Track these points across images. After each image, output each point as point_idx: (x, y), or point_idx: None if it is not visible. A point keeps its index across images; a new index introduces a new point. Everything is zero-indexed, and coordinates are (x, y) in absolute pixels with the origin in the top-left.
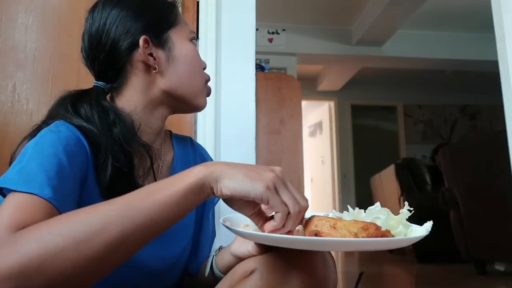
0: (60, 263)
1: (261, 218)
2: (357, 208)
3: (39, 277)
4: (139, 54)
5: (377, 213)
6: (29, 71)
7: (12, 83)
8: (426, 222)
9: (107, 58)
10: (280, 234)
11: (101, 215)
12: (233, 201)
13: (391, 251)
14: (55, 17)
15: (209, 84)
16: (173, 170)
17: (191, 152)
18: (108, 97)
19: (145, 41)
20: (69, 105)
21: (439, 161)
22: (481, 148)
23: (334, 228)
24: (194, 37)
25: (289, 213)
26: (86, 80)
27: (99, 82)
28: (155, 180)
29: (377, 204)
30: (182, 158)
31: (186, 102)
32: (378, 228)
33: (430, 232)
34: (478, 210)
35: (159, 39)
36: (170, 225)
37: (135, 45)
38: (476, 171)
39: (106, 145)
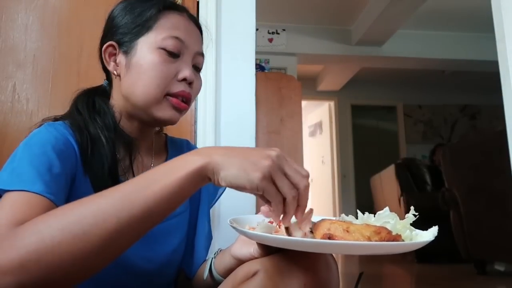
0: (58, 256)
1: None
2: (366, 213)
3: (38, 270)
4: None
5: (386, 218)
6: (29, 71)
7: (12, 83)
8: (426, 222)
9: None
10: (284, 223)
11: (96, 208)
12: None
13: None
14: (55, 17)
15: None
16: None
17: None
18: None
19: (112, 47)
20: (72, 100)
21: (438, 160)
22: (481, 148)
23: (348, 231)
24: (170, 47)
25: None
26: (86, 80)
27: (105, 81)
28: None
29: (386, 208)
30: None
31: (144, 112)
32: (389, 232)
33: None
34: (478, 210)
35: (127, 45)
36: (166, 214)
37: None
38: (476, 171)
39: (91, 132)
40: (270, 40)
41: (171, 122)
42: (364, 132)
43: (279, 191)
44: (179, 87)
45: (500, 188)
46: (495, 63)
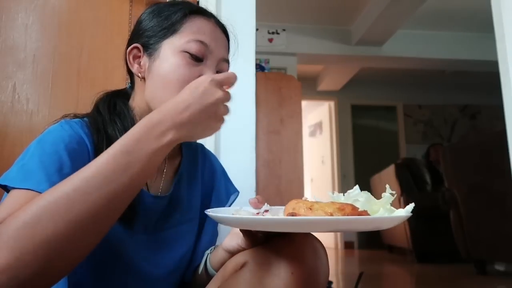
0: (45, 225)
1: None
2: (336, 192)
3: (35, 261)
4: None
5: (356, 196)
6: (29, 71)
7: (12, 83)
8: (426, 222)
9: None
10: None
11: (79, 184)
12: None
13: (391, 251)
14: (55, 17)
15: None
16: (178, 175)
17: (200, 159)
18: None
19: (137, 49)
20: (94, 101)
21: (434, 160)
22: (481, 148)
23: (310, 209)
24: (194, 50)
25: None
26: (86, 80)
27: (128, 84)
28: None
29: (356, 187)
30: (189, 164)
31: None
32: (354, 208)
33: (431, 232)
34: (478, 210)
35: (152, 48)
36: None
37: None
38: (476, 171)
39: (109, 133)
40: (270, 40)
41: None
42: (364, 132)
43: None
44: None
45: (500, 188)
46: (495, 63)
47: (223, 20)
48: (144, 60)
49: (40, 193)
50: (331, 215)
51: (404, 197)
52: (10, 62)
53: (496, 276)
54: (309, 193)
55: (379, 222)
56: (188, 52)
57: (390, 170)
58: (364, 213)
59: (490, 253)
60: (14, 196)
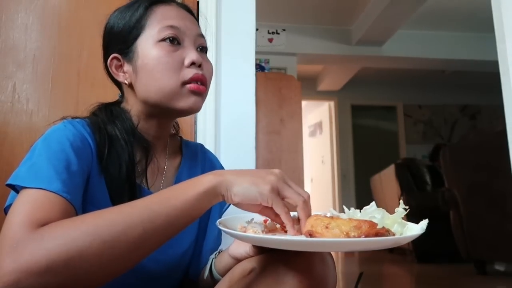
0: (86, 259)
1: (269, 211)
2: (352, 208)
3: (65, 273)
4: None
5: (372, 213)
6: (29, 71)
7: (12, 83)
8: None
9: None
10: (298, 230)
11: (124, 216)
12: (241, 204)
13: (391, 251)
14: (55, 17)
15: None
16: (179, 173)
17: (200, 158)
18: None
19: (116, 59)
20: (89, 111)
21: (441, 163)
22: (481, 148)
23: (327, 228)
24: (168, 35)
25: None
26: (86, 80)
27: (119, 94)
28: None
29: (372, 203)
30: (190, 163)
31: (166, 108)
32: (372, 225)
33: (431, 232)
34: (478, 210)
35: (128, 53)
36: (186, 225)
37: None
38: (476, 171)
39: (109, 132)
40: (270, 40)
41: (195, 109)
42: (364, 132)
43: (285, 204)
44: (191, 72)
45: (500, 188)
46: (495, 63)
47: (224, 20)
48: (127, 66)
49: (52, 192)
50: (347, 234)
51: (404, 197)
52: (10, 62)
53: (496, 276)
54: (309, 193)
55: (394, 241)
56: (163, 40)
57: (390, 170)
58: (383, 230)
59: (490, 253)
60: (28, 196)
